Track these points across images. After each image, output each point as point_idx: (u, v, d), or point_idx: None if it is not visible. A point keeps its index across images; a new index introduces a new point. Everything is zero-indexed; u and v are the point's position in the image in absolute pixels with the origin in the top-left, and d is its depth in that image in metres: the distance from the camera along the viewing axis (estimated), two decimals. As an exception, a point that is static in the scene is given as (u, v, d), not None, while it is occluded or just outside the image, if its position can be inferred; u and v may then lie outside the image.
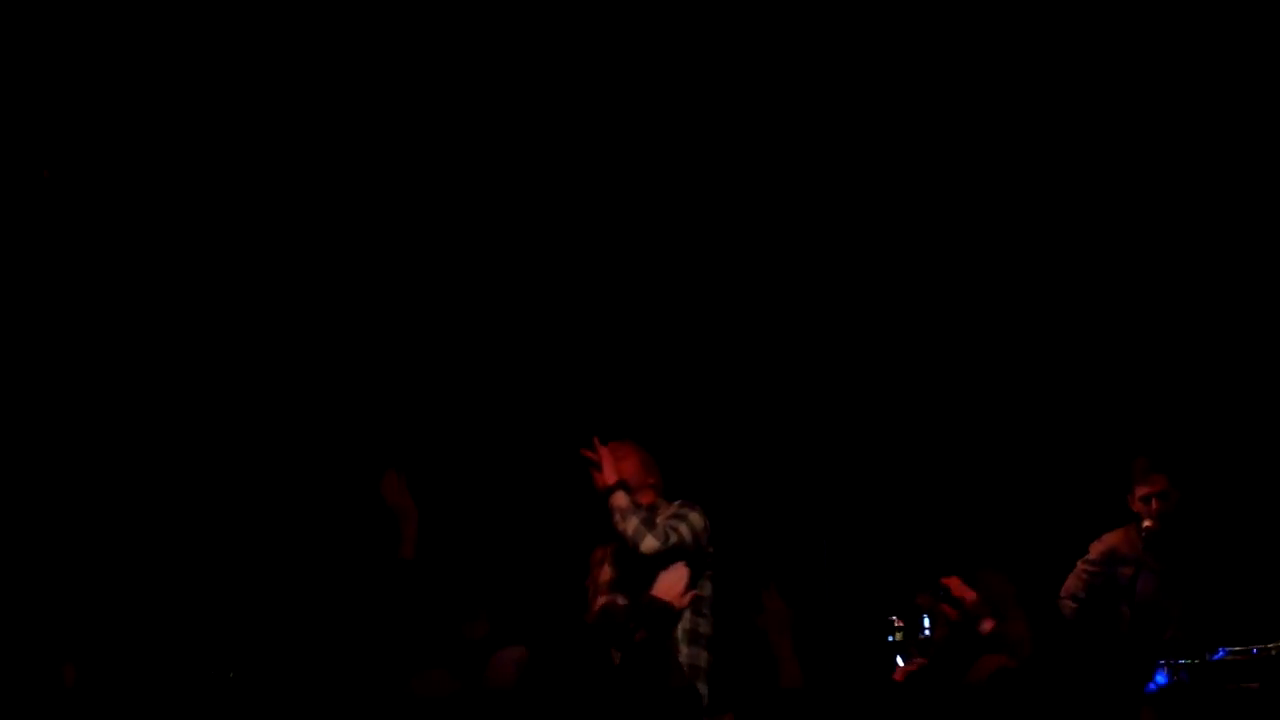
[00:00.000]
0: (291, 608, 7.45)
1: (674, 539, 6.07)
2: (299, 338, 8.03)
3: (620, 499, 6.14)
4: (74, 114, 7.70)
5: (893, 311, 8.21)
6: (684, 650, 6.07)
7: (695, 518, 6.18)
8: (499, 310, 8.20)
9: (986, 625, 5.32)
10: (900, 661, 5.98)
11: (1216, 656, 5.99)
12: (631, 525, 6.04)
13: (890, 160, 8.08)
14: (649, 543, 6.03)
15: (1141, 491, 6.87)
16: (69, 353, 7.79)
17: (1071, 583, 7.12)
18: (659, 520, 6.12)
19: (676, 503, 6.27)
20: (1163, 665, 5.77)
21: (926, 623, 5.98)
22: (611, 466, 6.22)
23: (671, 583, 5.60)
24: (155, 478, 7.82)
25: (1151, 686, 5.75)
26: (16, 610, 7.13)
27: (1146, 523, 6.87)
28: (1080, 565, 7.14)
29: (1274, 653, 6.13)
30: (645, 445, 6.45)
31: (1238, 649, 6.11)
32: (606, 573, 6.30)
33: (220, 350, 7.98)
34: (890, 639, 5.98)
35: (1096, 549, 7.05)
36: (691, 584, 5.89)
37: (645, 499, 6.27)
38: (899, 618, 6.01)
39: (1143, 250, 7.99)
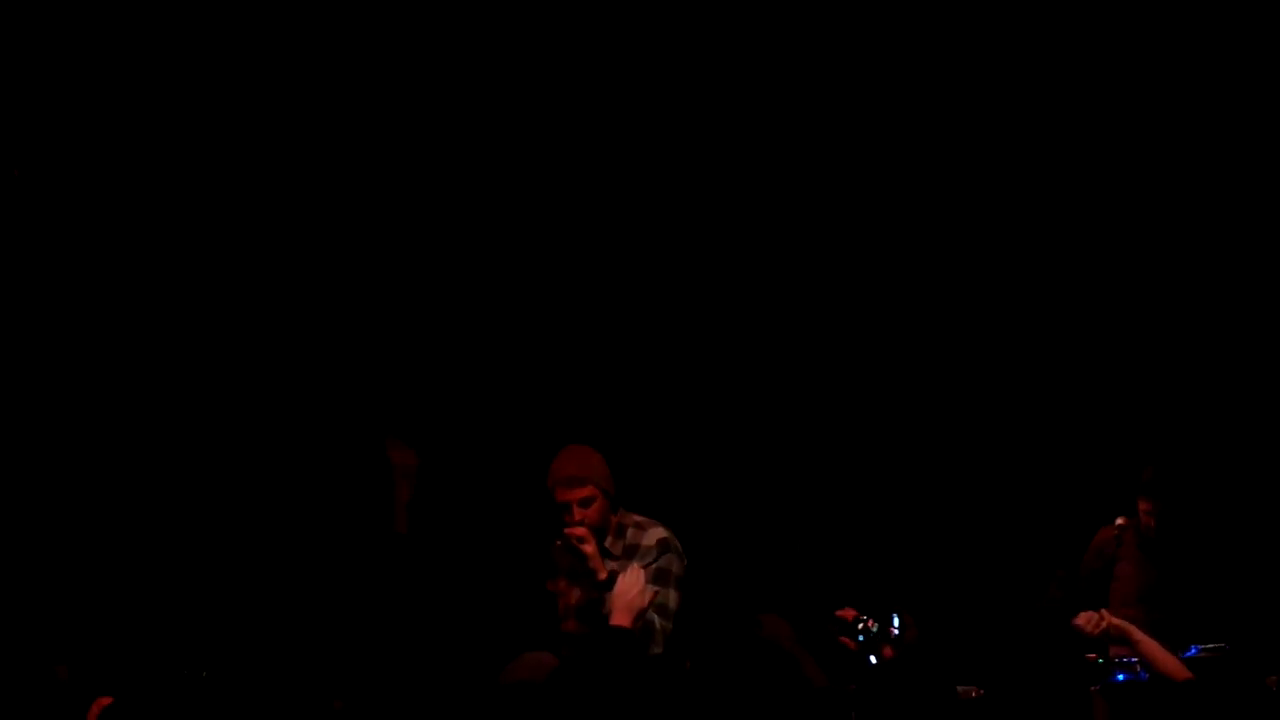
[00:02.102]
0: (285, 596, 7.49)
1: (669, 625, 6.03)
2: (277, 327, 8.07)
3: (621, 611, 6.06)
4: (62, 113, 7.77)
5: (871, 315, 8.21)
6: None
7: (671, 569, 6.14)
8: (477, 307, 8.22)
9: (887, 652, 5.37)
10: (872, 659, 5.95)
11: (1189, 654, 5.98)
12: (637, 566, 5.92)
13: (870, 165, 8.09)
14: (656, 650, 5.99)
15: (1143, 507, 6.89)
16: (58, 351, 7.84)
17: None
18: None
19: (655, 542, 6.18)
20: (1129, 665, 5.77)
21: (896, 623, 5.95)
22: (598, 559, 6.12)
23: (628, 586, 5.64)
24: (144, 470, 7.87)
25: (1116, 679, 5.75)
26: (11, 611, 7.20)
27: (1120, 520, 6.90)
28: None
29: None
30: (619, 449, 6.42)
31: (1210, 647, 6.11)
32: (578, 595, 6.26)
33: (200, 340, 8.03)
34: (860, 639, 5.94)
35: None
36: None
37: (611, 521, 6.24)
38: (870, 619, 5.98)
39: (1118, 252, 8.00)
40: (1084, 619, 5.74)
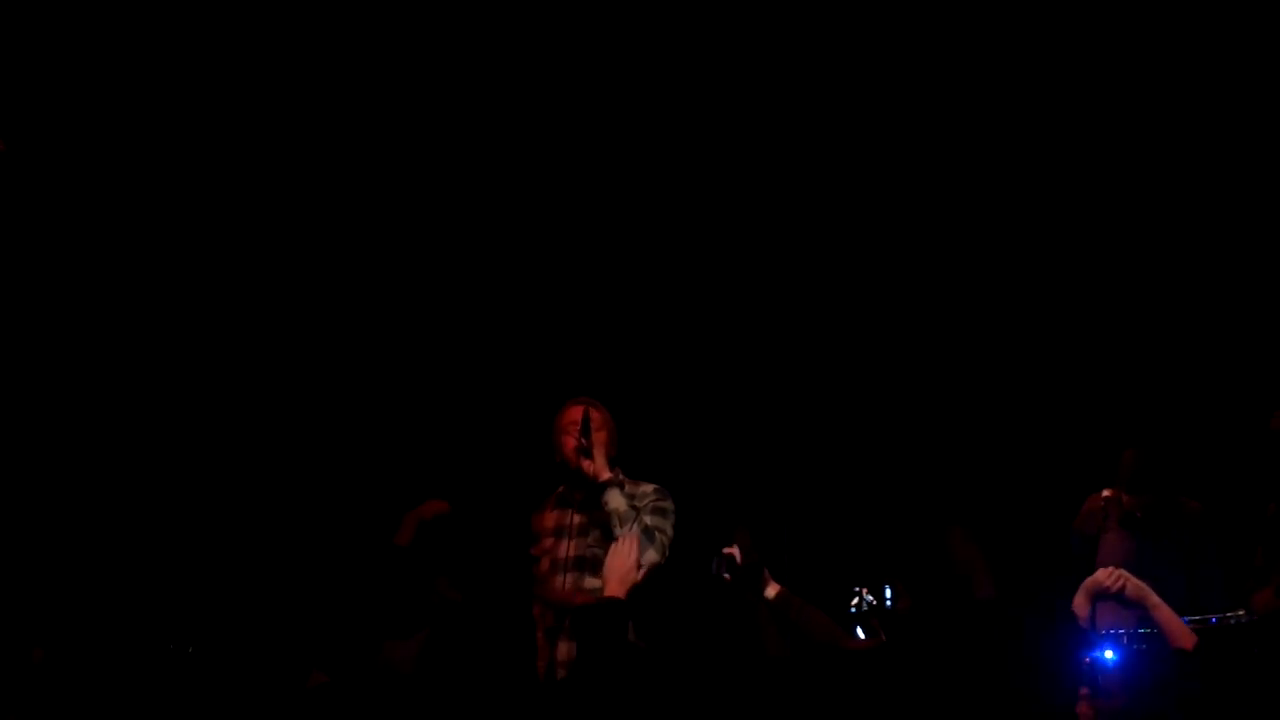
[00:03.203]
0: (277, 589, 7.50)
1: (667, 545, 6.10)
2: (283, 326, 8.06)
3: (617, 500, 6.15)
4: (61, 111, 7.73)
5: (852, 296, 8.25)
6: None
7: (671, 509, 6.22)
8: (472, 312, 8.23)
9: (771, 590, 5.45)
10: (860, 633, 6.02)
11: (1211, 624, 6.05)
12: (633, 535, 5.88)
13: (848, 156, 8.12)
14: (650, 557, 6.01)
15: (1126, 498, 6.96)
16: (48, 346, 7.82)
17: None
18: (647, 519, 6.10)
19: (652, 488, 6.25)
20: (1115, 636, 5.81)
21: (889, 594, 6.02)
22: (604, 457, 6.20)
23: (622, 557, 5.68)
24: (141, 467, 7.86)
25: (1104, 662, 5.78)
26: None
27: (1106, 492, 6.99)
28: None
29: (1232, 622, 6.20)
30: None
31: (1196, 618, 6.15)
32: (568, 548, 6.29)
33: (201, 337, 8.01)
34: (853, 609, 6.01)
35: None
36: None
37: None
38: (865, 588, 6.05)
39: (1102, 254, 8.06)
40: (1104, 574, 5.68)
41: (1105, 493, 7.11)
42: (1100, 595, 5.54)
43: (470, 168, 8.12)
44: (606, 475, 6.14)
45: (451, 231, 8.17)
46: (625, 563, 5.74)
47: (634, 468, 6.38)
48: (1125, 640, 5.81)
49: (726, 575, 5.44)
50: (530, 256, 8.18)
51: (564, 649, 6.17)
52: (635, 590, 5.74)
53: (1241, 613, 6.42)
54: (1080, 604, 5.59)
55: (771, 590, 5.44)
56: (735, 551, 5.41)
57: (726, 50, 7.95)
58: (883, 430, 8.14)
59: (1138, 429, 7.39)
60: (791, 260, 8.24)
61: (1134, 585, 5.54)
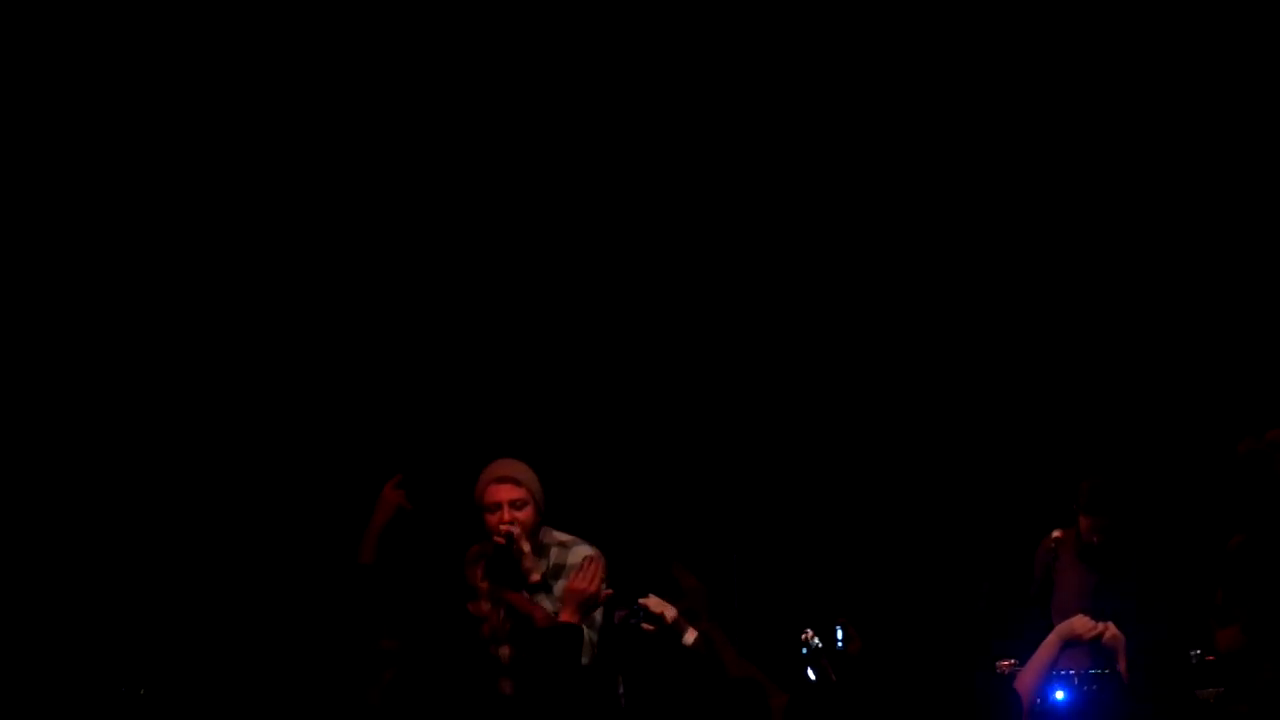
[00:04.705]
0: (243, 608, 7.44)
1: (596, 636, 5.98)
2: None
3: (548, 607, 6.00)
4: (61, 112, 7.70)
5: (806, 322, 8.24)
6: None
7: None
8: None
9: (689, 637, 5.42)
10: (811, 675, 5.97)
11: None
12: (597, 559, 5.82)
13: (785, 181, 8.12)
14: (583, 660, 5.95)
15: (1084, 523, 6.96)
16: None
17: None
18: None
19: (582, 557, 6.12)
20: (1066, 677, 5.79)
21: (840, 635, 5.98)
22: (533, 559, 6.03)
23: (585, 582, 5.65)
24: (89, 502, 7.81)
25: (1055, 703, 5.76)
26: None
27: (1056, 533, 6.99)
28: None
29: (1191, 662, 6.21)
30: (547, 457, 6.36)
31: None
32: (500, 618, 6.13)
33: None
34: (804, 651, 5.96)
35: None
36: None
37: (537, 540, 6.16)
38: (812, 630, 5.99)
39: (1058, 276, 8.06)
40: (1080, 623, 5.60)
41: (1056, 533, 7.11)
42: (1071, 642, 5.51)
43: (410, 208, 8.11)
44: (536, 578, 5.97)
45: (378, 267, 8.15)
46: (587, 589, 5.70)
47: (572, 517, 6.28)
48: (1077, 681, 5.79)
49: (646, 626, 5.42)
50: (463, 291, 8.15)
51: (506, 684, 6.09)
52: (591, 618, 5.73)
53: (1198, 651, 6.41)
54: (1050, 645, 5.56)
55: (689, 637, 5.42)
56: (649, 602, 5.40)
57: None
58: (835, 470, 8.13)
59: (1095, 461, 7.37)
60: (731, 295, 8.21)
61: (1111, 635, 5.48)
